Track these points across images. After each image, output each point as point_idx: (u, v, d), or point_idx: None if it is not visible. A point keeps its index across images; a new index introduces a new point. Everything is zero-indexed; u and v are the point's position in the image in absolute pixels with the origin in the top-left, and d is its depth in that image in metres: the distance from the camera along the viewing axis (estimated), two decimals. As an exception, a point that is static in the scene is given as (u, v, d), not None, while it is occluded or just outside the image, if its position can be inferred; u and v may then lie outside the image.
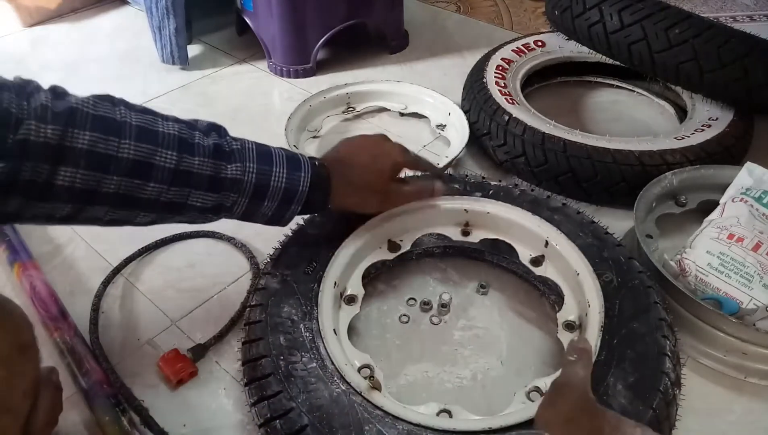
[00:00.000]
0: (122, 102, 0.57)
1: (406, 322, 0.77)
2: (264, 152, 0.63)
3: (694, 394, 0.68)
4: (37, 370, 0.54)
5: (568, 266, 0.72)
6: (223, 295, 0.81)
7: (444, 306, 0.77)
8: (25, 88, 0.50)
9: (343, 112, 1.16)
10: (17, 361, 0.50)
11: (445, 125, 1.10)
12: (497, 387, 0.69)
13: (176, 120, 0.59)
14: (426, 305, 0.78)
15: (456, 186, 0.82)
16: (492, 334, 0.75)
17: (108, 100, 0.55)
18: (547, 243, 0.75)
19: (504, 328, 0.76)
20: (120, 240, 0.88)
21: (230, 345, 0.74)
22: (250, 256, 0.85)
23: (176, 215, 0.60)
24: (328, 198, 0.67)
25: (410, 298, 0.80)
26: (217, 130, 0.62)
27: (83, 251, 0.88)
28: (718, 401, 0.69)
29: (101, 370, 0.69)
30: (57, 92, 0.52)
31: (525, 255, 0.77)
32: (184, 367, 0.70)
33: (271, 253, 0.74)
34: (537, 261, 0.77)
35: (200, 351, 0.72)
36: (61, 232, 0.91)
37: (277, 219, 0.66)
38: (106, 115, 0.53)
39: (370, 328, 0.76)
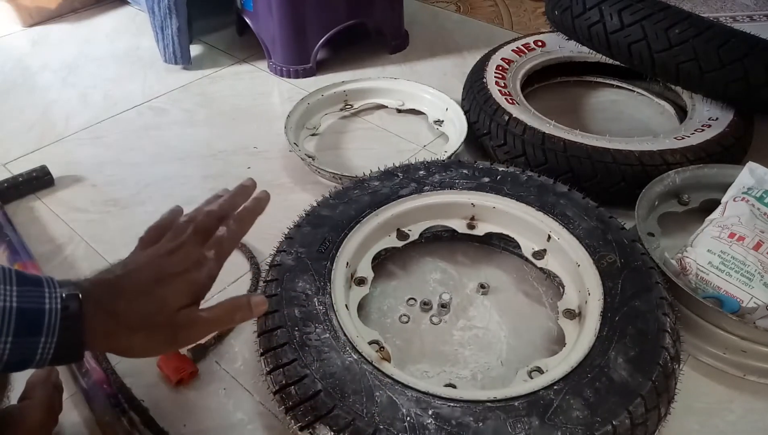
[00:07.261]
0: None
1: (406, 322, 0.77)
2: None
3: (694, 392, 0.68)
4: None
5: (569, 259, 0.74)
6: (223, 295, 0.80)
7: (444, 306, 0.77)
8: None
9: (341, 110, 1.16)
10: None
11: (443, 121, 1.11)
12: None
13: None
14: (426, 305, 0.78)
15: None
16: (492, 334, 0.75)
17: None
18: (549, 237, 0.77)
19: (504, 328, 0.76)
20: (120, 240, 0.88)
21: (230, 345, 0.74)
22: (250, 256, 0.85)
23: None
24: (81, 345, 0.45)
25: (410, 298, 0.80)
26: None
27: (83, 251, 0.88)
28: (717, 399, 0.69)
29: (101, 370, 0.68)
30: None
31: (528, 248, 0.80)
32: (184, 367, 0.70)
33: (286, 232, 0.76)
34: (539, 254, 0.79)
35: (200, 351, 0.72)
36: (61, 232, 0.91)
37: None
38: None
39: (371, 327, 0.76)
